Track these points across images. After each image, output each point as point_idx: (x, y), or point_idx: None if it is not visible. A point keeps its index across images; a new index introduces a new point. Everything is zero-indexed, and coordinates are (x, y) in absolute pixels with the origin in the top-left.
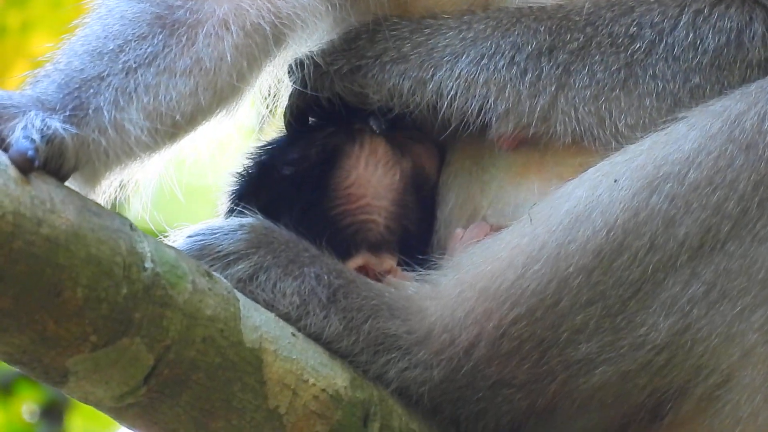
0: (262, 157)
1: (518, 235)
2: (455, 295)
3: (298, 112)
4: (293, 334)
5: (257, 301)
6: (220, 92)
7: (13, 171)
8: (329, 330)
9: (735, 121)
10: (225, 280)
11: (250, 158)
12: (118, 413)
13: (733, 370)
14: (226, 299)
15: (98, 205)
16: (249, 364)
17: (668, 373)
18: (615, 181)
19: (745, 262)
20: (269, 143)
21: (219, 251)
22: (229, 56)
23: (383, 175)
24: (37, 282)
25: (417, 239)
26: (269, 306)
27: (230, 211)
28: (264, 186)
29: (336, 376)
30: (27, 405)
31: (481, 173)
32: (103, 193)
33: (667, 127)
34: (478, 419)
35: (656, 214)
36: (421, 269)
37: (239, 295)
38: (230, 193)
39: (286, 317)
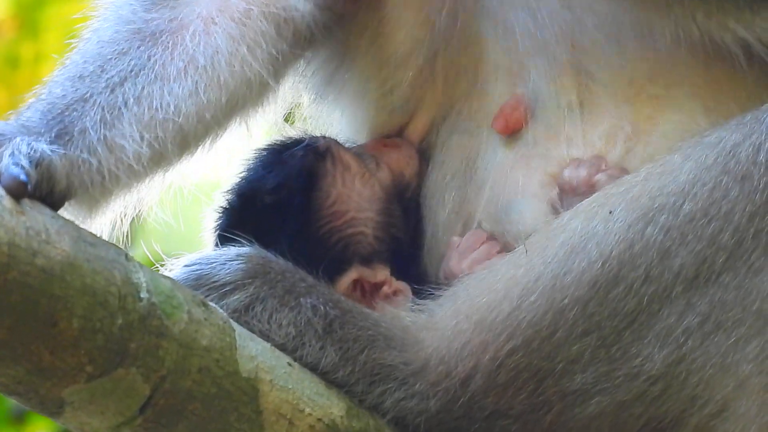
0: (242, 189)
1: (514, 266)
2: (451, 326)
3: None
4: (289, 364)
5: (253, 332)
6: (225, 86)
7: (7, 201)
8: (325, 361)
9: (730, 152)
10: (221, 310)
11: (230, 191)
12: None
13: (728, 400)
14: (221, 329)
15: (93, 235)
16: (245, 393)
17: (663, 404)
18: (610, 212)
19: (739, 293)
20: (246, 173)
21: (215, 281)
22: (224, 47)
23: (362, 187)
24: (33, 312)
25: (408, 247)
26: (265, 337)
27: (221, 241)
28: (248, 217)
29: (332, 406)
30: None
31: (473, 174)
32: (115, 220)
33: (663, 158)
34: None
35: (651, 246)
36: (417, 299)
37: (235, 324)
38: (215, 228)
39: (282, 348)
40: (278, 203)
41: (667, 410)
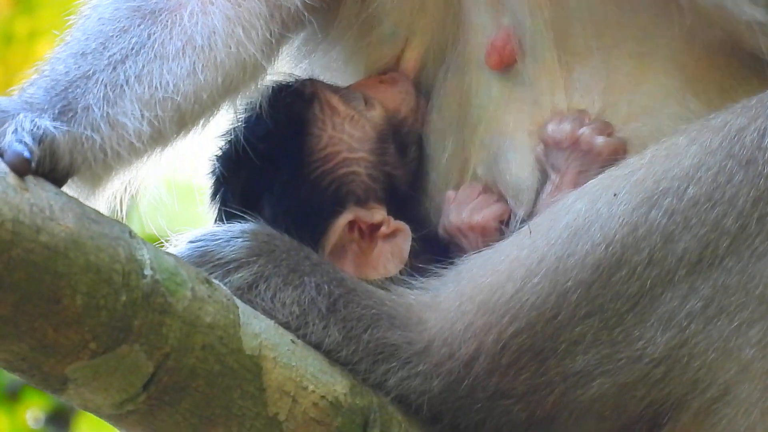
0: (235, 138)
1: (517, 247)
2: (455, 308)
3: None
4: (293, 341)
5: (257, 310)
6: (221, 66)
7: (11, 179)
8: (329, 340)
9: (735, 137)
10: (224, 288)
11: (224, 139)
12: (118, 420)
13: (731, 384)
14: (225, 306)
15: (97, 212)
16: (248, 371)
17: (665, 386)
18: (615, 195)
19: (743, 277)
20: (239, 122)
21: (220, 258)
22: (220, 27)
23: (352, 129)
24: (36, 289)
25: (406, 186)
26: (269, 315)
27: (214, 196)
28: (242, 165)
29: (335, 383)
30: (32, 411)
31: (468, 114)
32: (113, 197)
33: (668, 140)
34: (477, 429)
35: (655, 230)
36: (420, 277)
37: (238, 302)
38: (211, 176)
39: (285, 326)
40: (269, 151)
41: (669, 393)
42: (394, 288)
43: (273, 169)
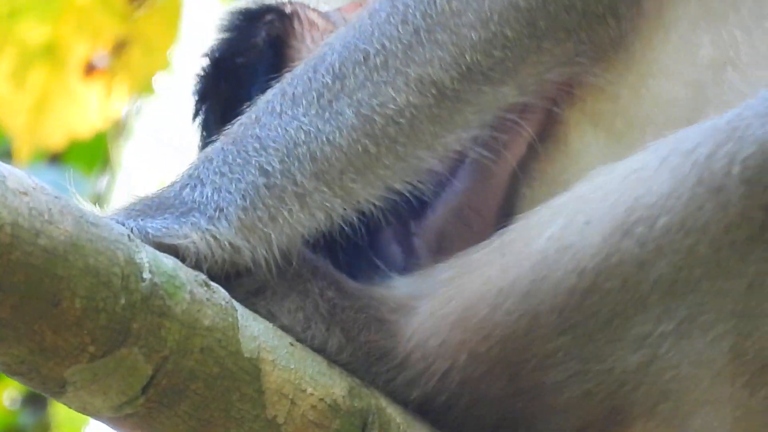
0: (216, 53)
1: (490, 266)
2: (430, 325)
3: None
4: (291, 344)
5: (261, 315)
6: None
7: (11, 182)
8: (331, 342)
9: (704, 162)
10: (223, 290)
11: (205, 55)
12: (117, 423)
13: (703, 391)
14: (224, 309)
15: (96, 215)
16: (247, 373)
17: (635, 395)
18: (586, 223)
19: (717, 297)
20: (217, 38)
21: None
22: None
23: None
24: (36, 292)
25: None
26: (272, 320)
27: (196, 115)
28: (222, 78)
29: (334, 386)
30: (8, 392)
31: None
32: None
33: (638, 158)
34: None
35: (628, 258)
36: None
37: (237, 304)
38: (193, 91)
39: (289, 331)
40: (249, 63)
41: (637, 400)
42: (380, 290)
43: (252, 81)
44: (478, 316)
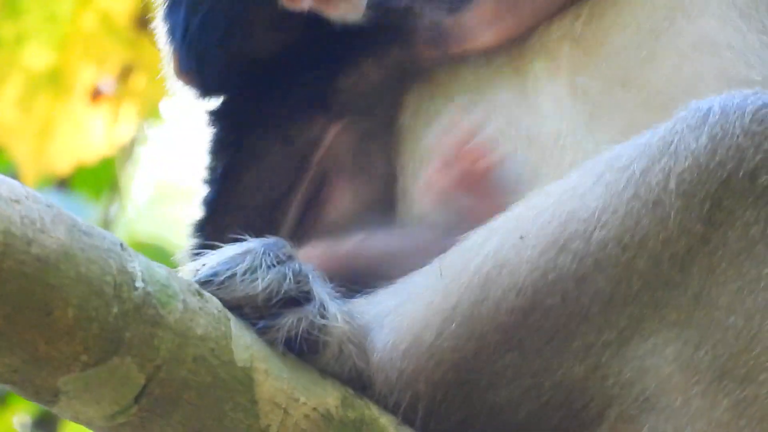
0: None
1: (431, 291)
2: (386, 357)
3: None
4: (284, 353)
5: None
6: None
7: (3, 190)
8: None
9: (640, 178)
10: (216, 299)
11: None
12: None
13: (650, 397)
14: (217, 318)
15: (89, 224)
16: (240, 383)
17: (584, 401)
18: (521, 237)
19: (657, 307)
20: None
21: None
22: None
23: None
24: (28, 301)
25: None
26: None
27: None
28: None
29: (327, 395)
30: (18, 416)
31: None
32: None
33: (572, 177)
34: None
35: (565, 274)
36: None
37: (230, 314)
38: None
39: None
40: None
41: (586, 406)
42: (352, 311)
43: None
44: (427, 343)
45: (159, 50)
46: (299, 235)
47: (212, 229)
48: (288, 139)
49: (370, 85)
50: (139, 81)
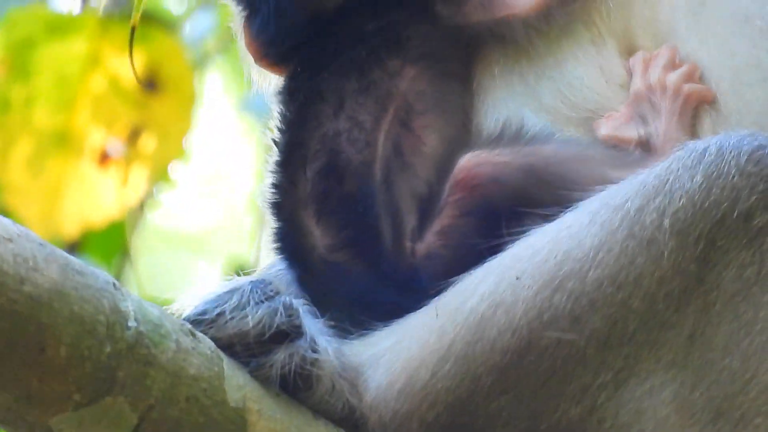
0: None
1: (427, 330)
2: (380, 396)
3: None
4: (277, 393)
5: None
6: None
7: None
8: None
9: (635, 216)
10: (209, 340)
11: None
12: None
13: None
14: (209, 358)
15: (82, 263)
16: (233, 423)
17: None
18: (517, 278)
19: (653, 347)
20: None
21: None
22: None
23: None
24: (21, 340)
25: None
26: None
27: None
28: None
29: None
30: None
31: None
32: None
33: (568, 217)
34: None
35: (560, 313)
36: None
37: (222, 354)
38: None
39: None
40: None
41: None
42: (342, 348)
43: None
44: (421, 383)
45: (167, 112)
46: (387, 179)
47: (292, 170)
48: (366, 85)
49: (439, 35)
50: (148, 143)
